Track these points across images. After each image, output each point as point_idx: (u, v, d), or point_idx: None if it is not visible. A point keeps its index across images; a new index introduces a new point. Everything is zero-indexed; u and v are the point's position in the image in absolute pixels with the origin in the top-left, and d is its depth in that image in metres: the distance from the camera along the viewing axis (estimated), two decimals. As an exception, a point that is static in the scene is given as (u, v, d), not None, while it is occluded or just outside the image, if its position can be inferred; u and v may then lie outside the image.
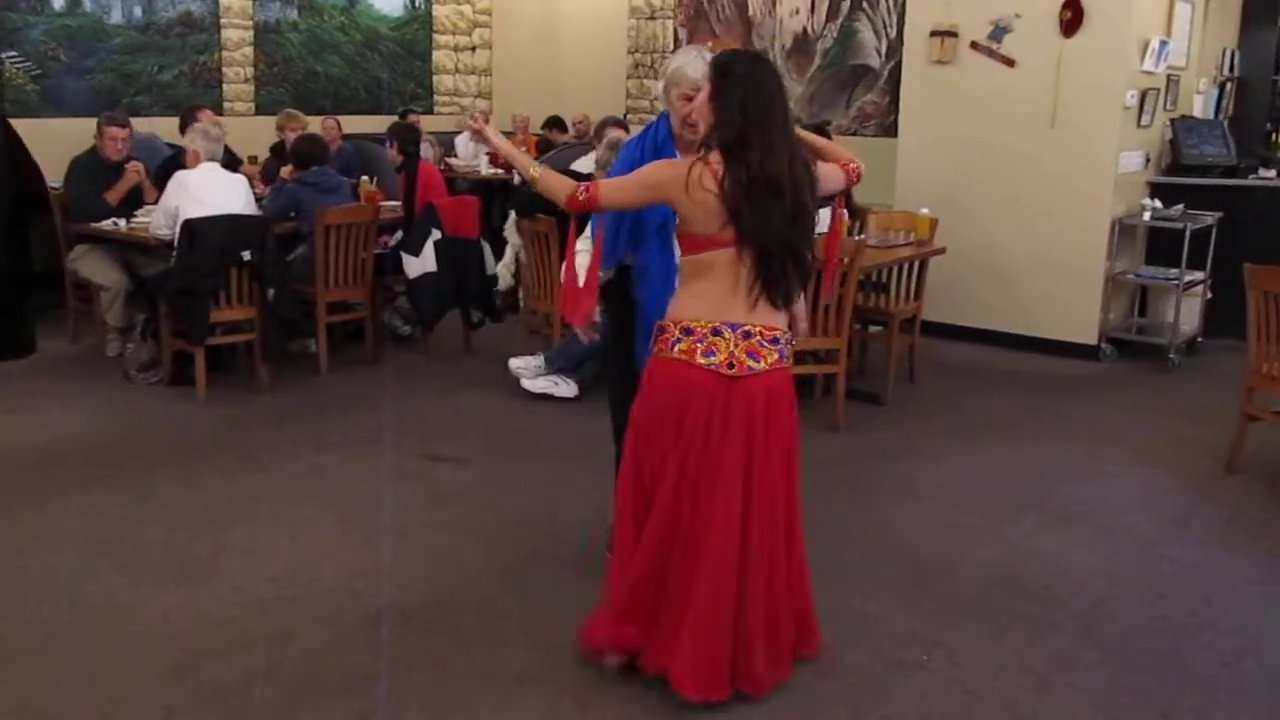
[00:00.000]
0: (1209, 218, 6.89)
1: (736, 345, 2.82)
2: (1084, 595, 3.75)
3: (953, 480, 4.83)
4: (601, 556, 3.74)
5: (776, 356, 2.86)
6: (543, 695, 3.03)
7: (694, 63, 3.21)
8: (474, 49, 11.64)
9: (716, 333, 2.82)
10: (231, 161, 6.72)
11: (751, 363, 2.82)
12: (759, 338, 2.83)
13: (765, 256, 2.78)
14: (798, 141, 2.88)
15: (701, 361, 2.82)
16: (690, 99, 3.14)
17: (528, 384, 5.78)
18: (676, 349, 2.85)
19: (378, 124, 9.40)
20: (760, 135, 2.76)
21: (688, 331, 2.84)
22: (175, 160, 6.38)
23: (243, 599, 3.60)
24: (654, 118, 3.51)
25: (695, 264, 2.88)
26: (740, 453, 2.84)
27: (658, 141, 3.36)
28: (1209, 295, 7.11)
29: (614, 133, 5.90)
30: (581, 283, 3.27)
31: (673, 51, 10.03)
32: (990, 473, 4.94)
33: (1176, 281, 6.80)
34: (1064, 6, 6.73)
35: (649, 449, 2.93)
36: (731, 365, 2.81)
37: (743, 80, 2.81)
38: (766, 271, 2.79)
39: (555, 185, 3.03)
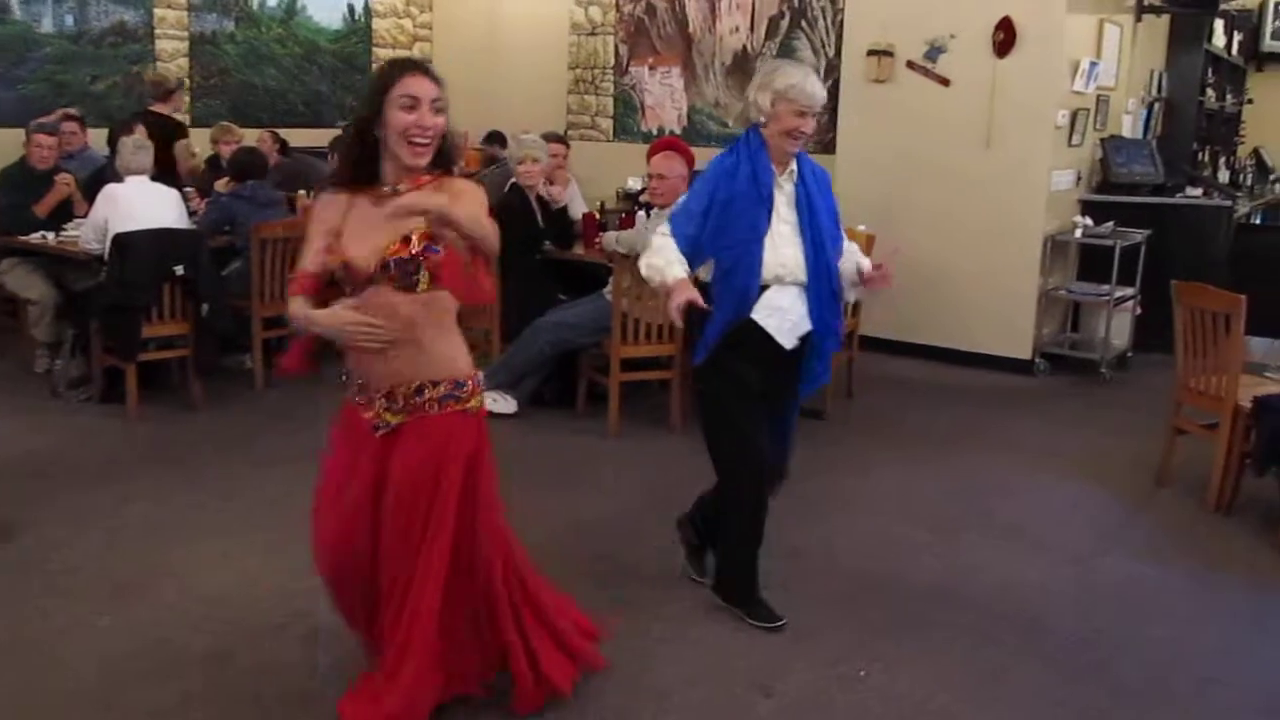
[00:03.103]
0: (1138, 235, 7.05)
1: None
2: (1020, 608, 3.80)
3: (891, 494, 4.88)
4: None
5: None
6: (485, 715, 3.00)
7: (813, 80, 3.39)
8: (414, 63, 11.57)
9: None
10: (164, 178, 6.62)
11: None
12: None
13: None
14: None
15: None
16: (803, 115, 3.35)
17: (468, 400, 5.74)
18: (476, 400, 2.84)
19: (317, 137, 9.31)
20: None
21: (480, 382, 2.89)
22: (104, 173, 6.28)
23: (178, 619, 3.53)
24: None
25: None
26: None
27: (751, 151, 3.45)
28: (1139, 310, 7.27)
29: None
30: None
31: (612, 68, 10.06)
32: (928, 487, 5.00)
33: (1107, 297, 6.94)
34: (997, 28, 6.86)
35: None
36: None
37: None
38: None
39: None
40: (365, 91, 2.65)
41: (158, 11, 9.27)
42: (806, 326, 3.49)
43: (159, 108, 7.94)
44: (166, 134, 7.40)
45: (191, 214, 6.19)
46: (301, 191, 6.89)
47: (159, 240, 5.43)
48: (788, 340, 3.46)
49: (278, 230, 6.06)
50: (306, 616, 3.54)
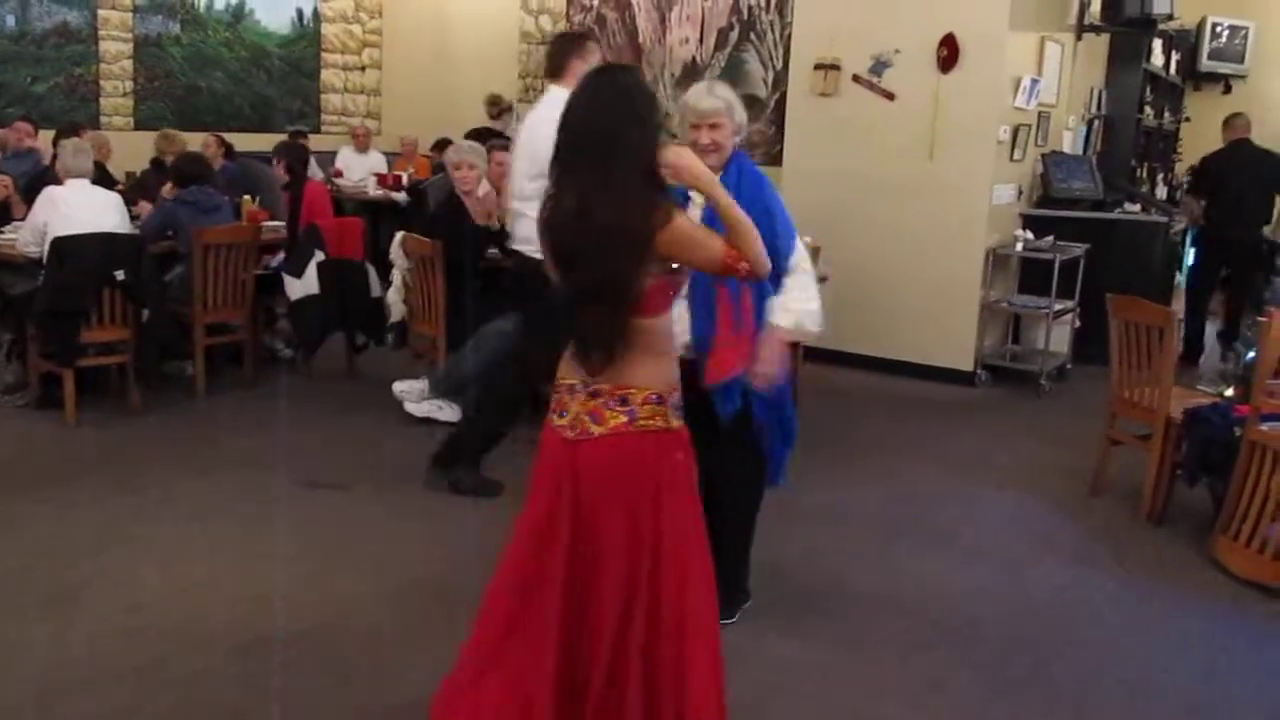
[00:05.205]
0: (1077, 249, 7.17)
1: (583, 405, 2.43)
2: (956, 616, 3.85)
3: (832, 504, 4.92)
4: (478, 584, 3.73)
5: (624, 419, 2.40)
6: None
7: (700, 94, 3.38)
8: (363, 69, 11.53)
9: (571, 390, 2.46)
10: (106, 182, 6.56)
11: (593, 426, 2.42)
12: (606, 397, 2.41)
13: (575, 309, 2.42)
14: (610, 181, 2.30)
15: (555, 422, 2.49)
16: (698, 128, 3.34)
17: (411, 408, 5.72)
18: (551, 405, 2.54)
19: (264, 142, 9.25)
20: (561, 168, 2.39)
21: (555, 388, 2.53)
22: (45, 175, 6.19)
23: (111, 629, 3.48)
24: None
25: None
26: (570, 529, 2.45)
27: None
28: (1078, 323, 7.39)
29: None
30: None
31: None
32: (869, 496, 5.05)
33: (1047, 310, 7.06)
34: (941, 44, 6.97)
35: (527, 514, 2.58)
36: (574, 428, 2.43)
37: (569, 104, 2.44)
38: (577, 325, 2.43)
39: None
40: (650, 115, 2.39)
41: (101, 13, 9.18)
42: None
43: (496, 125, 9.03)
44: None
45: (134, 218, 6.12)
46: (247, 196, 6.83)
47: (99, 245, 5.36)
48: None
49: (221, 236, 6.00)
50: (241, 627, 3.52)
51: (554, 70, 4.67)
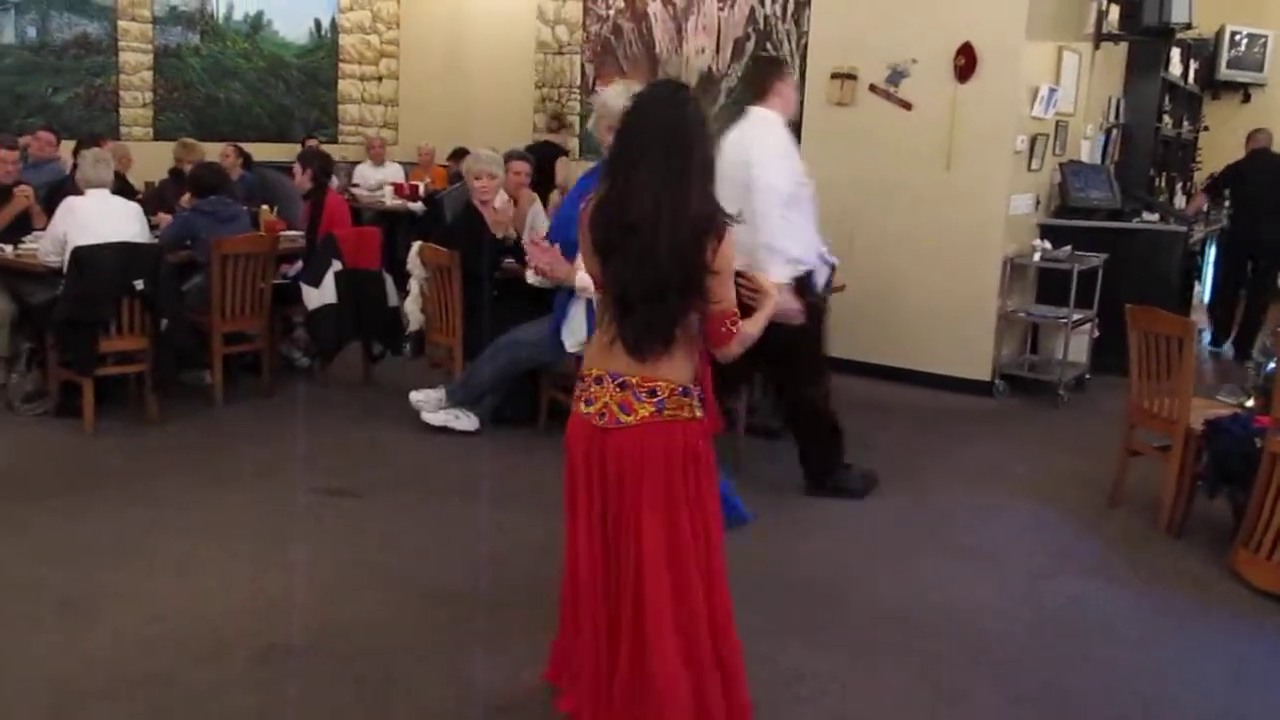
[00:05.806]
0: (1095, 259, 7.14)
1: (612, 396, 2.56)
2: (972, 627, 3.83)
3: (849, 514, 4.90)
4: (493, 593, 3.74)
5: (651, 410, 2.54)
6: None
7: (618, 96, 3.43)
8: (380, 79, 11.58)
9: (599, 381, 2.59)
10: (126, 193, 6.60)
11: (621, 415, 2.55)
12: (634, 389, 2.54)
13: (618, 302, 2.53)
14: (687, 186, 2.45)
15: (582, 410, 2.62)
16: (613, 129, 3.34)
17: (428, 417, 5.73)
18: (576, 394, 2.68)
19: (282, 152, 9.29)
20: (628, 170, 2.50)
21: (581, 378, 2.65)
22: (66, 185, 6.23)
23: (126, 639, 3.49)
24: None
25: (597, 305, 2.66)
26: (600, 513, 2.62)
27: (598, 174, 3.52)
28: (1096, 333, 7.35)
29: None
30: None
31: (578, 86, 10.12)
32: (886, 507, 5.02)
33: (1065, 320, 7.02)
34: (958, 53, 6.95)
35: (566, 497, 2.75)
36: (603, 416, 2.56)
37: (634, 111, 2.58)
38: (621, 318, 2.52)
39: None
40: (707, 122, 2.57)
41: (121, 24, 9.24)
42: None
43: (552, 138, 9.63)
44: (552, 155, 9.00)
45: (154, 228, 6.16)
46: (265, 206, 6.86)
47: (118, 254, 5.40)
48: None
49: (238, 245, 6.03)
50: (256, 636, 3.52)
51: (757, 92, 4.86)
